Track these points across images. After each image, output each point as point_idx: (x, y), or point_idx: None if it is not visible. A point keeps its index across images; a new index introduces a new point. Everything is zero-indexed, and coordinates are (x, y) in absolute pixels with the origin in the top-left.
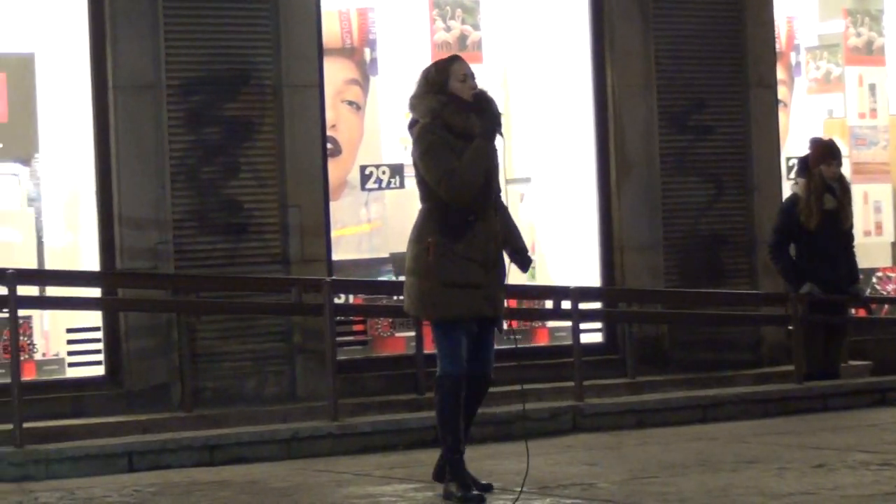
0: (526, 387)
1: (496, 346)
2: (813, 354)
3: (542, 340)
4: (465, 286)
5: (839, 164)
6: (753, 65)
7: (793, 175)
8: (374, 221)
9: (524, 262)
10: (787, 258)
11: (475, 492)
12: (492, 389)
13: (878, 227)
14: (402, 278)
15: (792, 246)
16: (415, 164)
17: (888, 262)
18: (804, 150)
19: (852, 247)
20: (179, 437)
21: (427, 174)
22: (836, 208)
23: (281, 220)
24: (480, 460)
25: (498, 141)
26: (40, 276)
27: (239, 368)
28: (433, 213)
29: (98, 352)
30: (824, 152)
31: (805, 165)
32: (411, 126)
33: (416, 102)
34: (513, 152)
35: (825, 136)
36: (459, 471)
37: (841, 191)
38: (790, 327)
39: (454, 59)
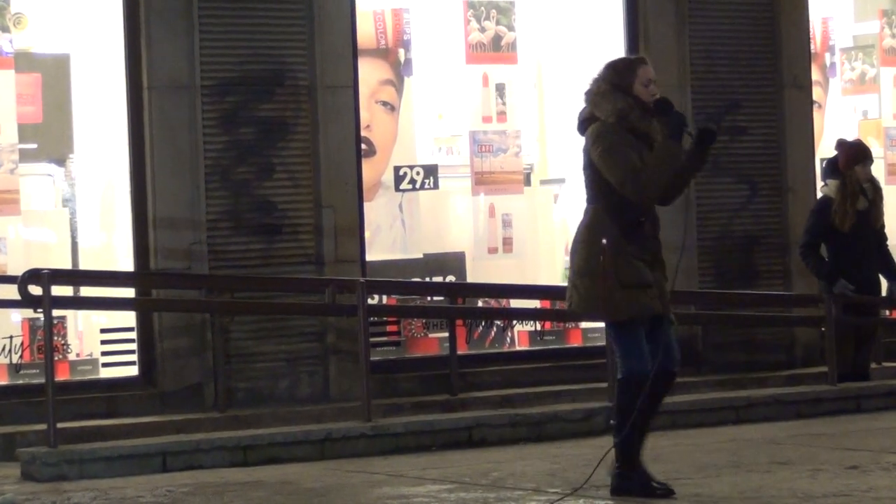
0: (559, 388)
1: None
2: (843, 356)
3: (575, 341)
4: (640, 285)
5: (871, 164)
6: (788, 65)
7: (823, 177)
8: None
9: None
10: (818, 258)
11: (657, 486)
12: (524, 390)
13: None
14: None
15: (823, 247)
16: (588, 163)
17: None
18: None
19: (886, 246)
20: (213, 438)
21: (610, 173)
22: (868, 208)
23: (315, 221)
24: (513, 461)
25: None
26: (74, 277)
27: (272, 369)
28: (605, 213)
29: (132, 352)
30: (857, 153)
31: (833, 167)
32: (584, 122)
33: (599, 100)
34: (547, 153)
35: (852, 138)
36: (637, 473)
37: (873, 191)
38: (823, 328)
39: (640, 61)
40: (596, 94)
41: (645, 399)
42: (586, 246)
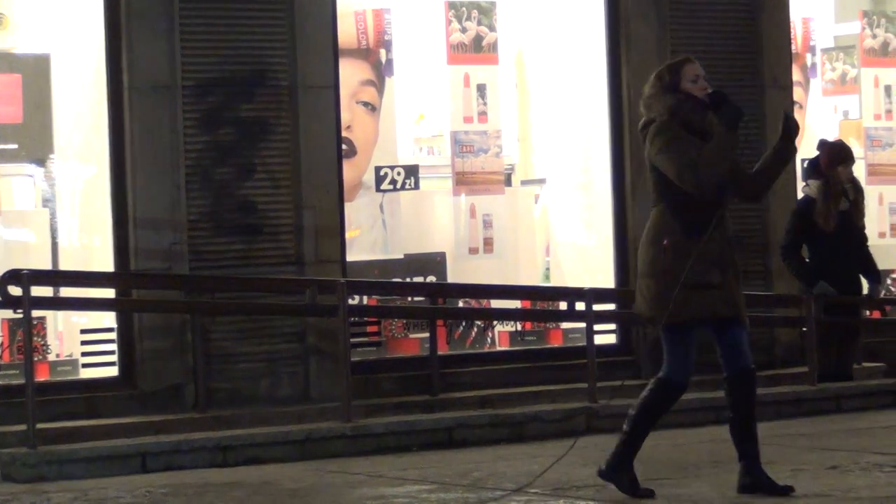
0: (540, 389)
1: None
2: (825, 356)
3: (556, 342)
4: (703, 287)
5: (853, 164)
6: (769, 66)
7: (804, 177)
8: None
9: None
10: (799, 259)
11: (644, 488)
12: (504, 391)
13: (894, 228)
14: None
15: (804, 247)
16: (650, 163)
17: None
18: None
19: (867, 247)
20: (193, 438)
21: (668, 167)
22: (849, 209)
23: (295, 221)
24: (493, 461)
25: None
26: (55, 277)
27: (253, 369)
28: (670, 212)
29: (112, 353)
30: (840, 154)
31: (815, 167)
32: (644, 127)
33: (651, 102)
34: (529, 153)
35: (833, 138)
36: (627, 469)
37: (854, 191)
38: (804, 329)
39: (686, 60)
40: (648, 98)
41: (735, 404)
42: (650, 247)
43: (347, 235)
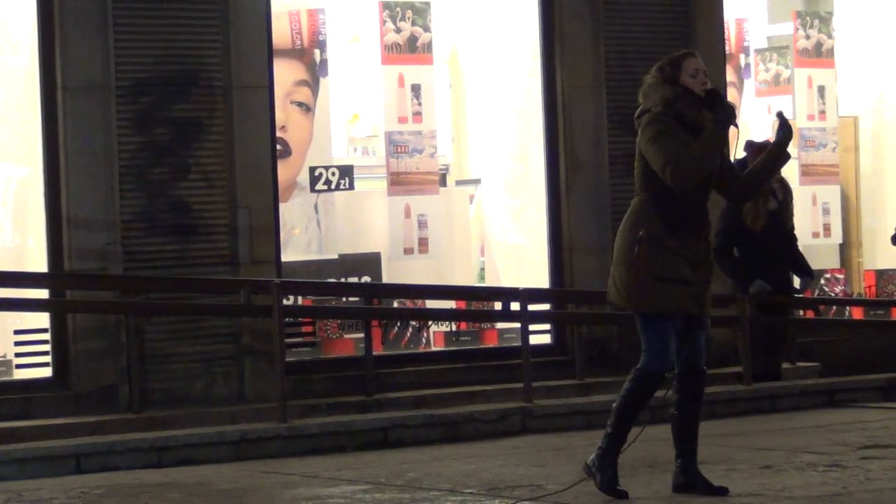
0: (475, 389)
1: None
2: (755, 356)
3: (491, 342)
4: (674, 281)
5: None
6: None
7: None
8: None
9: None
10: (731, 259)
11: (621, 488)
12: (440, 391)
13: (827, 228)
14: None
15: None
16: (638, 152)
17: (836, 264)
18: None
19: (796, 246)
20: (127, 439)
21: (652, 159)
22: (778, 209)
23: (230, 222)
24: (428, 461)
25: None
26: None
27: (187, 370)
28: (649, 204)
29: (46, 353)
30: None
31: (743, 168)
32: (638, 116)
33: (648, 91)
34: (463, 153)
35: (761, 139)
36: (610, 464)
37: (783, 191)
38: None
39: (688, 54)
40: (646, 87)
41: (679, 403)
42: (626, 235)
43: (291, 233)
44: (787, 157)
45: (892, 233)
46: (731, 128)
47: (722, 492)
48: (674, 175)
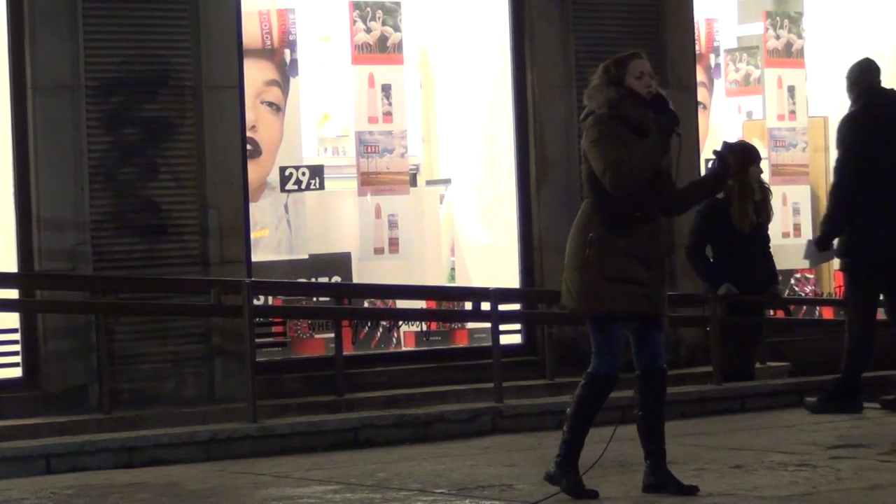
0: (445, 389)
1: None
2: (728, 356)
3: (461, 342)
4: (626, 281)
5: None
6: (672, 67)
7: None
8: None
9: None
10: (704, 259)
11: (588, 489)
12: (410, 391)
13: (797, 228)
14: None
15: (708, 247)
16: (583, 156)
17: (807, 264)
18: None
19: (769, 248)
20: (97, 439)
21: (594, 163)
22: (756, 210)
23: (200, 222)
24: (399, 461)
25: (674, 141)
26: None
27: (157, 370)
28: (597, 206)
29: (15, 353)
30: (750, 155)
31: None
32: (583, 118)
33: (593, 93)
34: (433, 153)
35: (735, 139)
36: (573, 469)
37: (761, 192)
38: (708, 328)
39: (634, 55)
40: (591, 88)
41: (641, 401)
42: (575, 238)
43: (255, 235)
44: (723, 188)
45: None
46: (675, 137)
47: (692, 491)
48: (612, 180)
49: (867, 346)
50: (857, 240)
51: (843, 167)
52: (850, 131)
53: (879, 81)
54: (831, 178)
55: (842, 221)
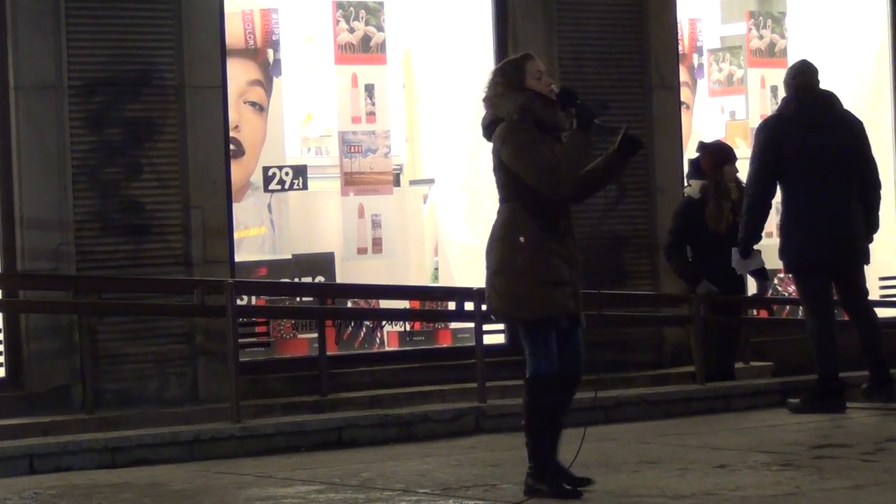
0: (429, 389)
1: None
2: (709, 356)
3: (445, 342)
4: (557, 283)
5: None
6: (656, 66)
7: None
8: (262, 225)
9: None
10: (682, 259)
11: (568, 488)
12: (394, 391)
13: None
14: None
15: (687, 247)
16: (499, 163)
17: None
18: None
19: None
20: (80, 440)
21: (525, 173)
22: (732, 208)
23: (183, 222)
24: (383, 461)
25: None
26: None
27: (141, 370)
28: (522, 211)
29: None
30: (725, 154)
31: (697, 168)
32: (488, 126)
33: (499, 101)
34: (417, 153)
35: (711, 140)
36: (548, 473)
37: (738, 190)
38: (689, 327)
39: (527, 56)
40: (494, 97)
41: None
42: (503, 244)
43: (252, 233)
44: (624, 166)
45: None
46: (597, 126)
47: (586, 482)
48: (551, 184)
49: (829, 340)
50: (789, 242)
51: (750, 172)
52: (759, 137)
53: (814, 83)
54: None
55: (755, 226)
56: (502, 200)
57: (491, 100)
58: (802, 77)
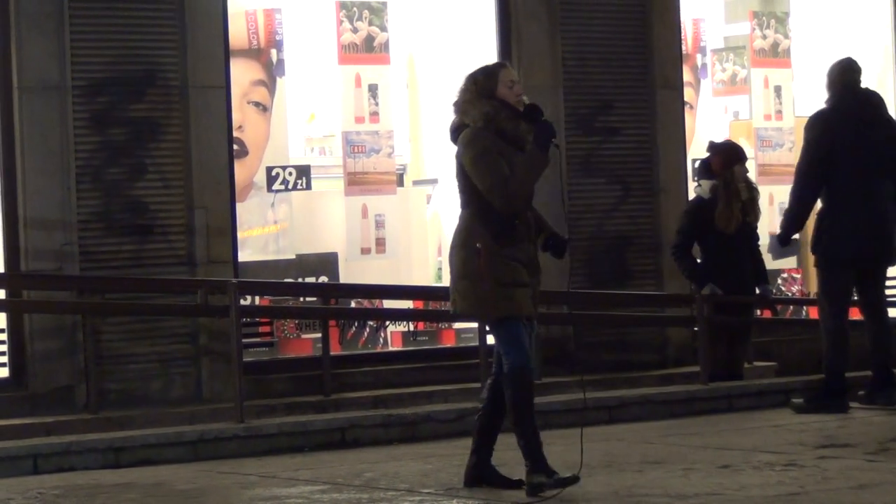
0: (432, 389)
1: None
2: (716, 356)
3: (448, 342)
4: (517, 285)
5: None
6: (659, 67)
7: (695, 178)
8: (281, 223)
9: (559, 245)
10: (690, 259)
11: (568, 475)
12: (397, 391)
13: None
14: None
15: (696, 247)
16: (460, 169)
17: (793, 264)
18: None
19: (758, 247)
20: (84, 440)
21: (479, 180)
22: (742, 209)
23: (187, 222)
24: (386, 462)
25: (552, 152)
26: None
27: (144, 370)
28: (478, 217)
29: (2, 354)
30: (735, 154)
31: (707, 168)
32: (455, 130)
33: (466, 107)
34: (420, 153)
35: (721, 140)
36: (543, 461)
37: (748, 191)
38: (696, 328)
39: (501, 65)
40: (463, 103)
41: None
42: (462, 250)
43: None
44: (546, 161)
45: (773, 242)
46: (553, 148)
47: (518, 485)
48: (501, 197)
49: (843, 341)
50: (828, 234)
51: (802, 163)
52: (814, 129)
53: (859, 81)
54: None
55: (800, 216)
56: (462, 206)
57: (460, 105)
58: (850, 74)
